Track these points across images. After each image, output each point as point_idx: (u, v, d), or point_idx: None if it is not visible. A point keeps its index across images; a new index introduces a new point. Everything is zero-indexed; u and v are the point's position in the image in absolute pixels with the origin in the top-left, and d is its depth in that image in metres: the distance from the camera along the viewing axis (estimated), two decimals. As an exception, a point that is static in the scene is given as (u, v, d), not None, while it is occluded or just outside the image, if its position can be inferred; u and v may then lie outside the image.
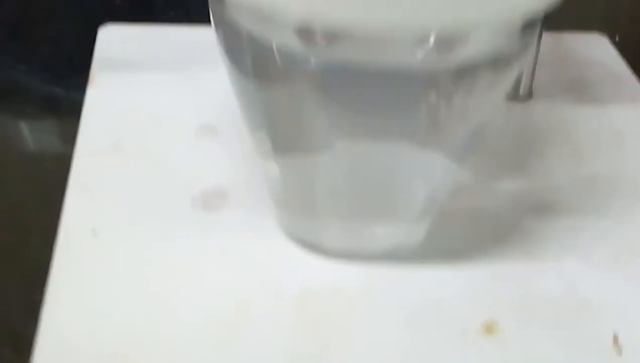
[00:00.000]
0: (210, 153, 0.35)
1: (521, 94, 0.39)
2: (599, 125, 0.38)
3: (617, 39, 0.44)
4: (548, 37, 0.43)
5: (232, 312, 0.28)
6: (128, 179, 0.33)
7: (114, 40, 0.40)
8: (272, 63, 0.26)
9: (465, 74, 0.26)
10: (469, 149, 0.29)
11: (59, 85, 0.41)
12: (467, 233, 0.32)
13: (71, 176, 0.33)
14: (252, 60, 0.27)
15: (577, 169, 0.36)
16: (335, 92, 0.26)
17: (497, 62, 0.27)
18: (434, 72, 0.26)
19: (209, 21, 0.28)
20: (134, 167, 0.34)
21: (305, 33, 0.25)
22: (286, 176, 0.30)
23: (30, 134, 0.38)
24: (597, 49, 0.43)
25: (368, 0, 0.23)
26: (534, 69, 0.39)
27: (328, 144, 0.28)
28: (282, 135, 0.29)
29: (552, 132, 0.38)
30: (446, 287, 0.30)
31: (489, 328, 0.29)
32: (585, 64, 0.42)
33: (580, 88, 0.40)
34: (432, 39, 0.25)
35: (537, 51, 0.39)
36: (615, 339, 0.29)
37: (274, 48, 0.26)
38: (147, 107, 0.37)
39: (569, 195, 0.34)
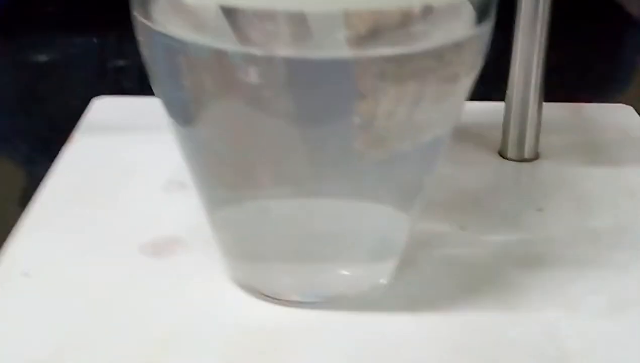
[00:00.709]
0: (174, 205, 0.33)
1: (526, 156, 0.36)
2: (608, 184, 0.34)
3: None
4: (567, 107, 0.40)
5: (156, 348, 0.26)
6: (80, 224, 0.31)
7: (102, 109, 0.40)
8: (210, 78, 0.25)
9: (408, 79, 0.24)
10: (415, 186, 0.27)
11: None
12: (438, 282, 0.29)
13: (24, 219, 0.31)
14: (189, 78, 0.25)
15: (578, 223, 0.32)
16: (273, 109, 0.24)
17: (444, 69, 0.25)
18: (372, 71, 0.24)
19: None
20: (90, 215, 0.32)
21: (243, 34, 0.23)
22: (230, 222, 0.28)
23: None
24: (620, 117, 0.40)
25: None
26: (538, 129, 0.36)
27: (269, 186, 0.26)
28: (224, 177, 0.27)
29: (553, 189, 0.34)
30: (404, 332, 0.26)
31: (447, 375, 0.25)
32: (603, 130, 0.39)
33: (594, 151, 0.37)
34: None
35: (540, 111, 0.36)
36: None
37: (211, 60, 0.24)
38: (120, 163, 0.35)
39: (563, 247, 0.30)
